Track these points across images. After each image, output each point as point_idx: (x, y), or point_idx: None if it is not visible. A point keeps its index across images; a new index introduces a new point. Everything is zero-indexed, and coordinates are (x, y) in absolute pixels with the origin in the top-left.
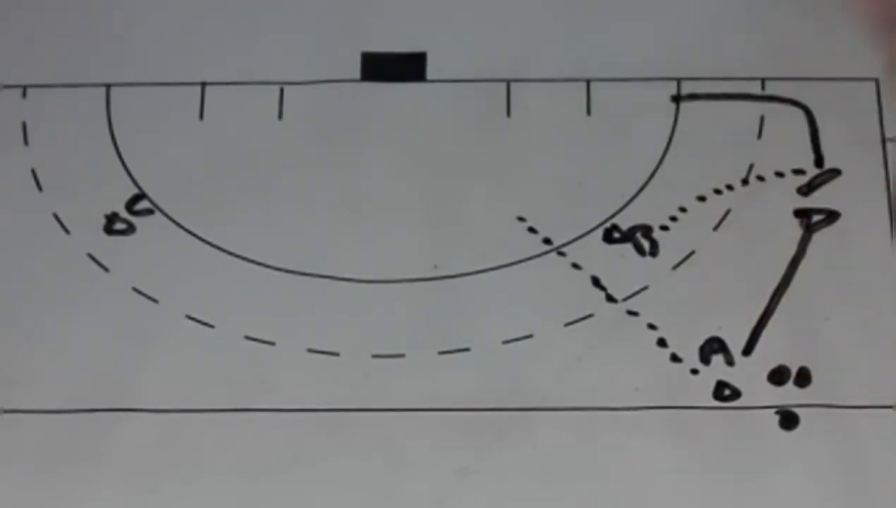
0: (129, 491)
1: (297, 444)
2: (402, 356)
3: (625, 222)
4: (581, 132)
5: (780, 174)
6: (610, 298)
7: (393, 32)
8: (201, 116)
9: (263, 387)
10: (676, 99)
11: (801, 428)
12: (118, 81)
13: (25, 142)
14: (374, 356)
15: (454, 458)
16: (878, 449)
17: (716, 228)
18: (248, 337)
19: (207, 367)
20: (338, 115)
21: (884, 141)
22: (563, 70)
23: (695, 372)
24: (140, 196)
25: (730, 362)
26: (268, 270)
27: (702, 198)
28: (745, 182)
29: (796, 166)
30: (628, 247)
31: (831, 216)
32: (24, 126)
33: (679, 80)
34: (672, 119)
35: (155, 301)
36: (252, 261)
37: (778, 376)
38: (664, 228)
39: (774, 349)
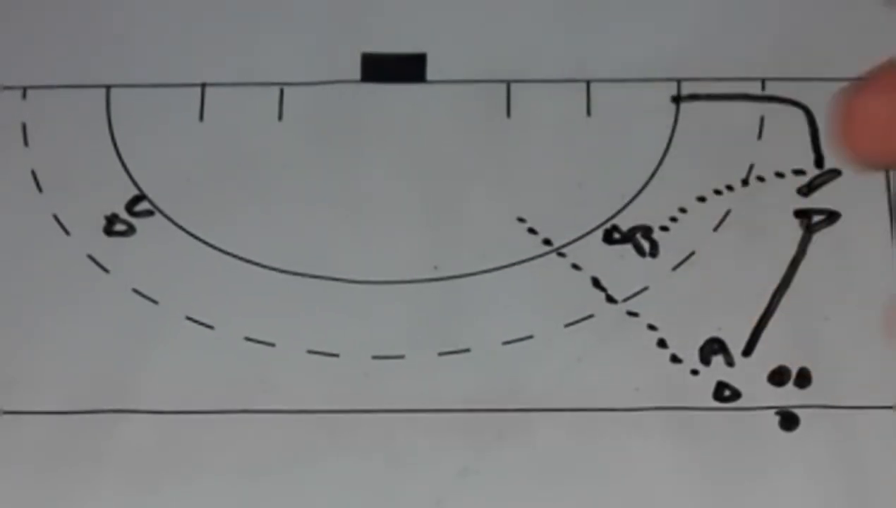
0: (129, 492)
1: (297, 445)
2: (401, 357)
3: (625, 223)
4: (581, 133)
5: (780, 174)
6: (610, 299)
7: (393, 33)
8: (201, 117)
9: (263, 388)
10: (676, 99)
11: (802, 429)
12: (118, 82)
13: (25, 143)
14: (374, 357)
15: (454, 458)
16: (877, 450)
17: (716, 229)
18: (247, 338)
19: (207, 368)
20: (338, 116)
21: None
22: (563, 70)
23: (695, 372)
24: (140, 197)
25: (730, 363)
26: (268, 271)
27: (702, 199)
28: (745, 182)
29: (796, 166)
30: (628, 247)
31: (832, 216)
32: (24, 127)
33: (679, 81)
34: (672, 119)
35: (155, 302)
36: (252, 263)
37: (778, 377)
38: (664, 229)
39: (774, 349)
